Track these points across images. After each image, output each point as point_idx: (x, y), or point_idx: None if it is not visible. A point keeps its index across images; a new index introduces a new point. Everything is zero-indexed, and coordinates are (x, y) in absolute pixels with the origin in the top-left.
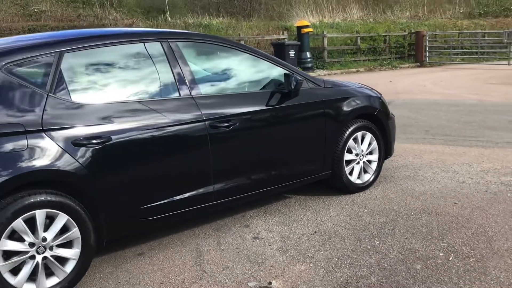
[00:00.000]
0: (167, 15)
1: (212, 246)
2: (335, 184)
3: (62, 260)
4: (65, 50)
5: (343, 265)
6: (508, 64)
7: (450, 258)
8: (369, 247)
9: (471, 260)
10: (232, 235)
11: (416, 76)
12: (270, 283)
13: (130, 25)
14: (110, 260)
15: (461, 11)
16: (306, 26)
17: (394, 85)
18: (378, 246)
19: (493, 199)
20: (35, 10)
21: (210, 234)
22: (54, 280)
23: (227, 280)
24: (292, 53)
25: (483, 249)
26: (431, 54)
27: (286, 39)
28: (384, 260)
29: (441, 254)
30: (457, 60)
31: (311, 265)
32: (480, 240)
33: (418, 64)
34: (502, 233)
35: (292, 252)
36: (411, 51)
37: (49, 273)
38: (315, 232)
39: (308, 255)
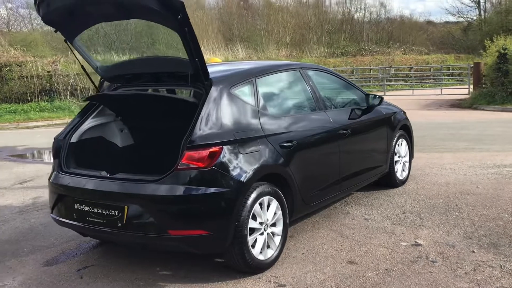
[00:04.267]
0: None
1: (341, 227)
2: (388, 180)
3: (274, 236)
4: (257, 76)
5: (451, 228)
6: (384, 95)
7: None
8: (454, 216)
9: None
10: (344, 219)
11: None
12: (416, 241)
13: (54, 62)
14: None
15: (326, 50)
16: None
17: None
18: (460, 215)
19: (499, 182)
20: None
21: (328, 220)
22: (270, 252)
23: (384, 243)
24: None
25: None
26: None
27: None
28: (475, 222)
29: (506, 215)
30: None
31: (430, 229)
32: None
33: None
34: None
35: (404, 224)
36: None
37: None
38: (403, 212)
39: (419, 225)
